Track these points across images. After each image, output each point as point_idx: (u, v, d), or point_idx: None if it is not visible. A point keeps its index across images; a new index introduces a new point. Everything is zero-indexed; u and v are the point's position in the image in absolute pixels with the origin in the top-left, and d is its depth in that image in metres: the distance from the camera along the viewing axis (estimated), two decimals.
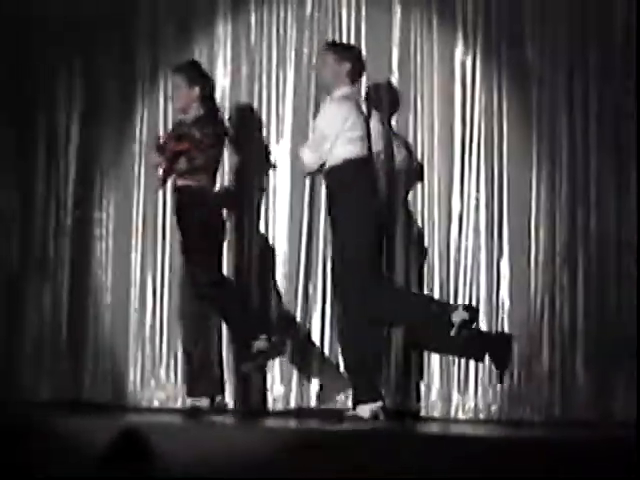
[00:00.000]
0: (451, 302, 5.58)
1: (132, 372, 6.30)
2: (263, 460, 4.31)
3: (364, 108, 5.60)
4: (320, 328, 5.93)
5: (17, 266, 6.70)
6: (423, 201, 5.78)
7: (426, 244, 5.74)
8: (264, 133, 6.14)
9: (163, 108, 6.36)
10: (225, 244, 5.85)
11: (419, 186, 5.78)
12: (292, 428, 5.19)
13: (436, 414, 5.62)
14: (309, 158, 5.41)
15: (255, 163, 6.17)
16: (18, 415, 5.63)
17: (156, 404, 6.21)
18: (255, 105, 6.16)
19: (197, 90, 5.70)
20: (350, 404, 5.47)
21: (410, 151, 5.86)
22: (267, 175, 6.17)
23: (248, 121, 6.19)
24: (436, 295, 5.68)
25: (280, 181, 6.12)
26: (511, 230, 5.61)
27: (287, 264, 6.05)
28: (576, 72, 5.53)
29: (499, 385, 5.55)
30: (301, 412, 5.90)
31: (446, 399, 5.63)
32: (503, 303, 5.56)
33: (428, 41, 5.84)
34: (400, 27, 5.91)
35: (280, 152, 6.13)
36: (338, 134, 5.32)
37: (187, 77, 5.73)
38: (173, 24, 6.42)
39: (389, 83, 5.95)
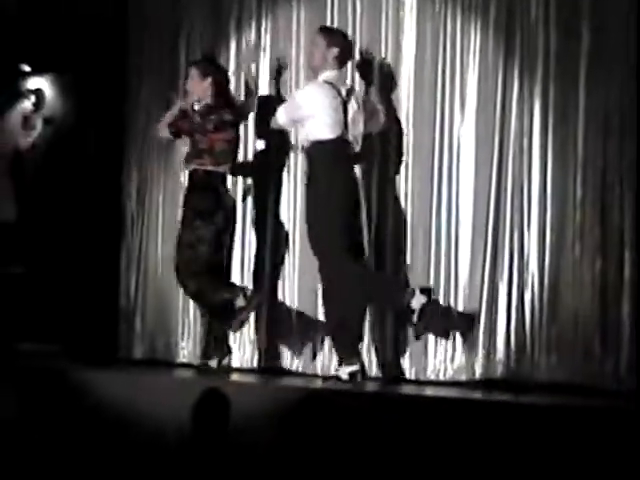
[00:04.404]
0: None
1: None
2: None
3: (344, 93, 5.88)
4: (507, 298, 5.88)
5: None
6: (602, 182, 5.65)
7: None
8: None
9: None
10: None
11: (597, 161, 5.65)
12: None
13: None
14: (282, 116, 5.96)
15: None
16: None
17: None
18: (439, 85, 6.16)
19: (209, 81, 6.25)
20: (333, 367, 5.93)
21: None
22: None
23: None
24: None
25: (465, 158, 6.09)
26: None
27: (473, 238, 6.01)
28: None
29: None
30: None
31: None
32: None
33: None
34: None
35: (464, 131, 6.09)
36: (315, 114, 5.76)
37: (201, 69, 6.30)
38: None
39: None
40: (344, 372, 5.73)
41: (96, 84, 7.54)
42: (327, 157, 5.78)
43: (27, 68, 8.21)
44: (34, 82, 8.23)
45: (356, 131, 5.97)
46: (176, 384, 5.87)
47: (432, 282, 6.07)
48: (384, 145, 6.25)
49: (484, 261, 5.93)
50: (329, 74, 5.86)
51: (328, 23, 6.50)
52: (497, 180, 5.94)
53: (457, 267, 6.06)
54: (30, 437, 5.24)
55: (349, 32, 6.42)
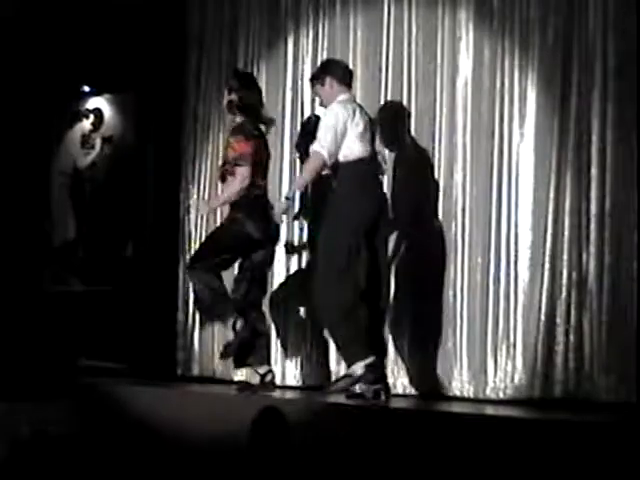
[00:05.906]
0: None
1: None
2: None
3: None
4: (565, 317, 5.83)
5: None
6: None
7: None
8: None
9: None
10: None
11: None
12: None
13: None
14: (322, 147, 5.73)
15: None
16: None
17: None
18: (497, 103, 6.17)
19: (236, 98, 6.15)
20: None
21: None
22: None
23: None
24: None
25: (523, 176, 6.07)
26: None
27: (532, 256, 5.98)
28: None
29: None
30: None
31: None
32: None
33: None
34: None
35: (523, 148, 6.08)
36: (345, 130, 5.74)
37: (228, 85, 6.24)
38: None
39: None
40: (359, 367, 5.68)
41: (154, 103, 7.62)
42: (358, 177, 5.81)
43: (86, 88, 8.32)
44: (93, 102, 8.34)
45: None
46: (232, 402, 5.89)
47: (491, 300, 6.11)
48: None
49: (542, 279, 5.90)
50: (344, 96, 5.93)
51: (384, 37, 6.62)
52: (555, 198, 5.90)
53: (516, 285, 6.04)
54: (89, 452, 5.29)
55: (405, 49, 6.50)
